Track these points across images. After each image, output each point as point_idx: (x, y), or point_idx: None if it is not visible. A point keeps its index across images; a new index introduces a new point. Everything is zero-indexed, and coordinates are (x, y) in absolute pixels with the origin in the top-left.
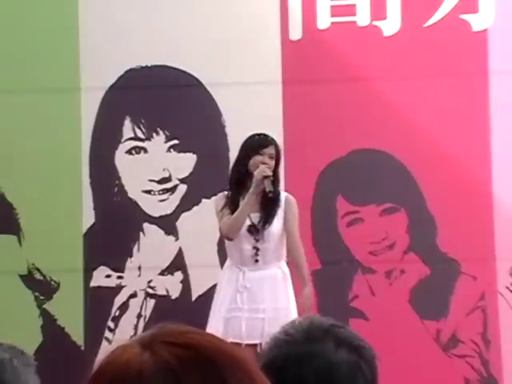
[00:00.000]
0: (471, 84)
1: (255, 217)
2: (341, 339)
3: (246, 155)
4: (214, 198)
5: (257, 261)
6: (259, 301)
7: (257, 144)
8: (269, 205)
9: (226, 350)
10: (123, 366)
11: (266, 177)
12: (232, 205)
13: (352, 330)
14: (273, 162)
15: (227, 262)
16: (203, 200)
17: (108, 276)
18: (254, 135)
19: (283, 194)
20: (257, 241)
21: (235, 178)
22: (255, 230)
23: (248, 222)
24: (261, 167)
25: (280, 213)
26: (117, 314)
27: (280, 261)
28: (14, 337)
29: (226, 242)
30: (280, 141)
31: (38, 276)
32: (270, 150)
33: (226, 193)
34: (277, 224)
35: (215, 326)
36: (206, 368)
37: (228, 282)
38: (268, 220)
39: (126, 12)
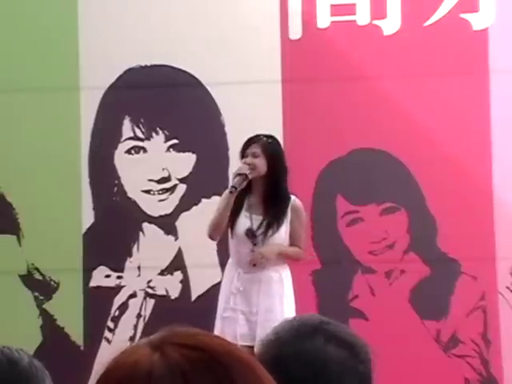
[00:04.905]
0: (472, 83)
1: (257, 219)
2: (330, 335)
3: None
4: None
5: (254, 265)
6: (252, 303)
7: (242, 149)
8: (273, 209)
9: (235, 353)
10: (132, 366)
11: (240, 174)
12: (235, 207)
13: (344, 326)
14: (258, 160)
15: (229, 261)
16: (203, 200)
17: (107, 276)
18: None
19: (291, 198)
20: (254, 244)
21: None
22: (252, 235)
23: (247, 225)
24: (239, 166)
25: (285, 218)
26: (116, 313)
27: (279, 265)
28: (14, 337)
29: (230, 241)
30: (279, 140)
31: (37, 276)
32: (253, 149)
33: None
34: (280, 230)
35: (216, 324)
36: (215, 370)
37: (225, 281)
38: (270, 227)
39: (126, 12)
